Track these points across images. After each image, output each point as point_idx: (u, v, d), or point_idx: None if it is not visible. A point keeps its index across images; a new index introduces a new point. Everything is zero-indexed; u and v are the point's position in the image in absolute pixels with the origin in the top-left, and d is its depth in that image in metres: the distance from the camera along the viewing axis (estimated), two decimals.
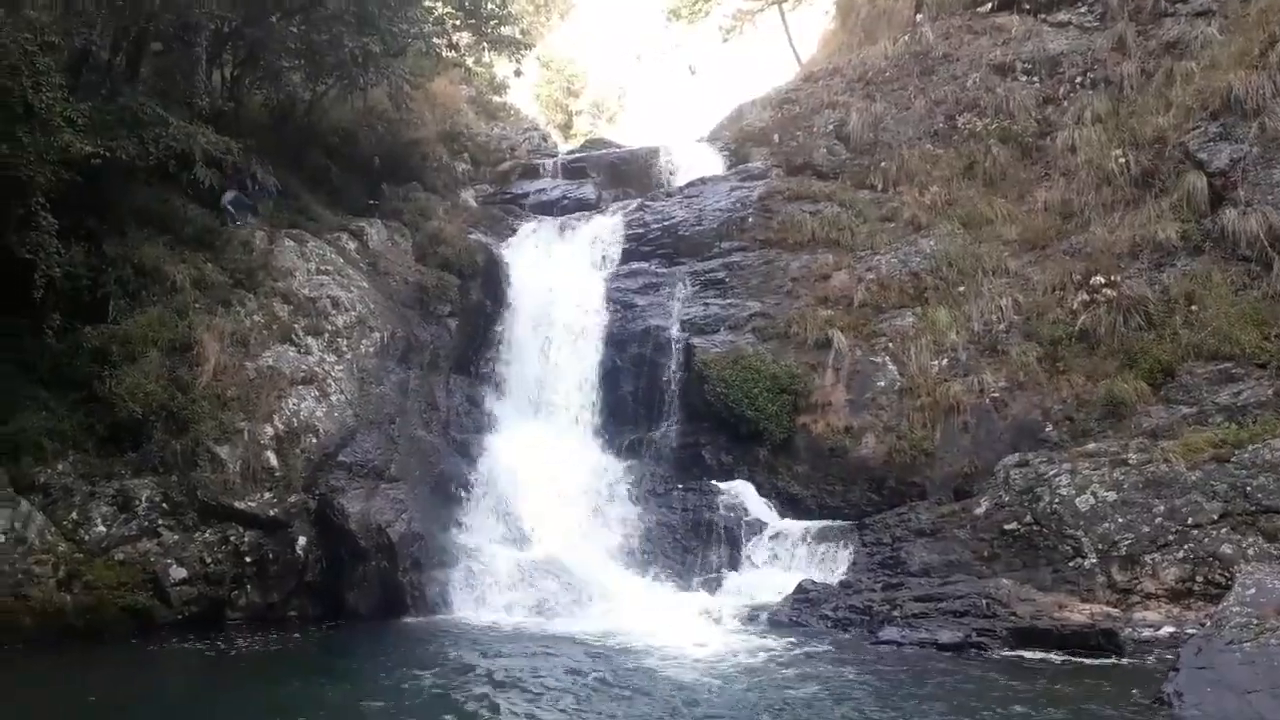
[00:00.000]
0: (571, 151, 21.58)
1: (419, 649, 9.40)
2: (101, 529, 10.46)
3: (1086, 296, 12.81)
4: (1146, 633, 9.35)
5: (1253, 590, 7.51)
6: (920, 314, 13.72)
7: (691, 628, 10.08)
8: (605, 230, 16.46)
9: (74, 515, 10.45)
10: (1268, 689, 6.61)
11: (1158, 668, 7.93)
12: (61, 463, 10.77)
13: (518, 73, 22.74)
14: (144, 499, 10.72)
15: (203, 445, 11.12)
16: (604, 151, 20.40)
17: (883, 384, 13.20)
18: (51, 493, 10.53)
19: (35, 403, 10.96)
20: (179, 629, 10.24)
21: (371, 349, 13.37)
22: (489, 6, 19.29)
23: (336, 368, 12.79)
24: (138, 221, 12.59)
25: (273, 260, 13.32)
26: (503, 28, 20.14)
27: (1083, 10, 17.14)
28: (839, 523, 12.25)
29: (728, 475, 13.21)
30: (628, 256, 15.98)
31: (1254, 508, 9.99)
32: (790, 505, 12.84)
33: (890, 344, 13.48)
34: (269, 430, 11.63)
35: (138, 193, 12.73)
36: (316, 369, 12.55)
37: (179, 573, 10.50)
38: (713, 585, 11.66)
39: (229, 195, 13.75)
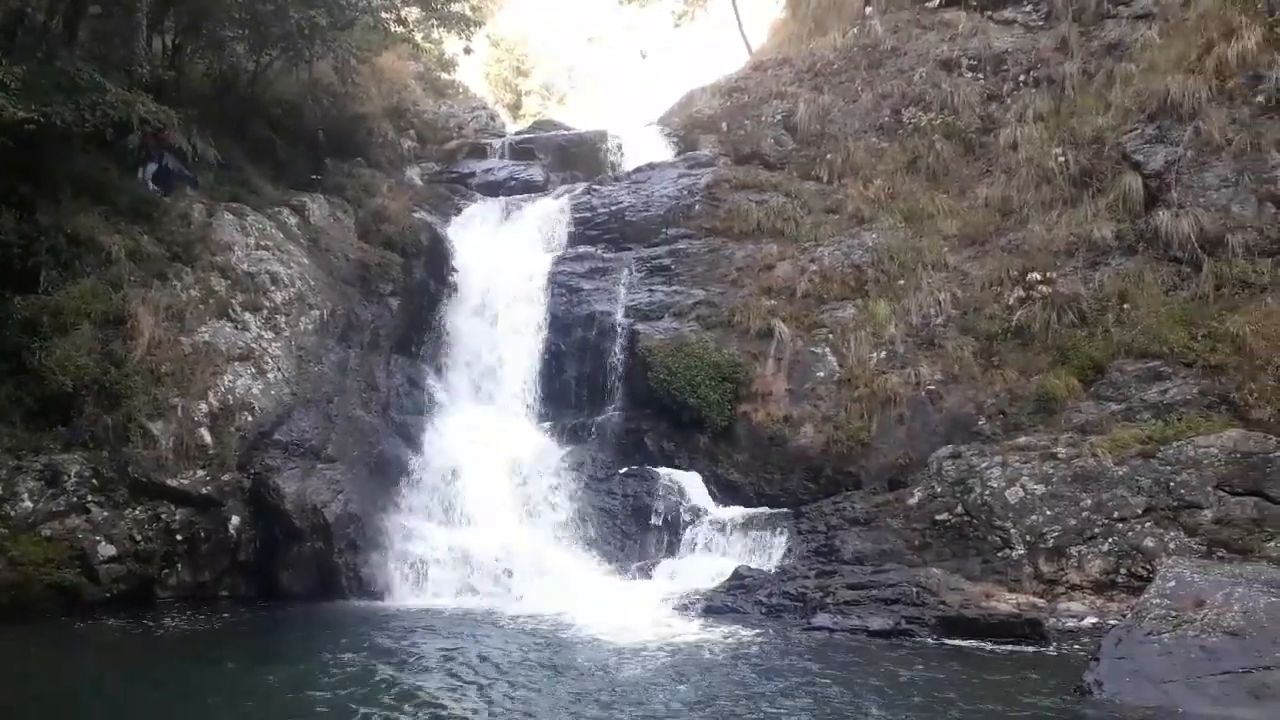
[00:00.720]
0: (520, 132, 21.49)
1: (351, 631, 9.35)
2: (28, 504, 10.25)
3: (1023, 293, 13.05)
4: (1071, 623, 9.60)
5: (1172, 583, 7.72)
6: (861, 306, 13.87)
7: (628, 612, 10.11)
8: (552, 213, 16.41)
9: None
10: (1183, 679, 6.83)
11: (1080, 657, 8.13)
12: None
13: (467, 50, 22.54)
14: (73, 474, 10.53)
15: (135, 421, 10.95)
16: (553, 133, 20.33)
17: (822, 374, 13.33)
18: None
19: None
20: (108, 607, 10.11)
21: (311, 326, 13.21)
22: None
23: (274, 345, 12.63)
24: (73, 190, 12.30)
25: (211, 234, 13.10)
26: (453, 4, 19.96)
27: (1028, 9, 17.40)
28: (776, 510, 12.37)
29: (669, 462, 13.27)
30: (574, 240, 15.95)
31: (1176, 503, 10.30)
32: (729, 492, 12.94)
33: (831, 335, 13.62)
34: (203, 407, 11.47)
35: (73, 160, 12.43)
36: (254, 345, 12.38)
37: (108, 550, 10.34)
38: (650, 570, 11.72)
39: (150, 168, 13.40)
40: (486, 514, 12.30)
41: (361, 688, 7.38)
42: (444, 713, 6.84)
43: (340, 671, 7.83)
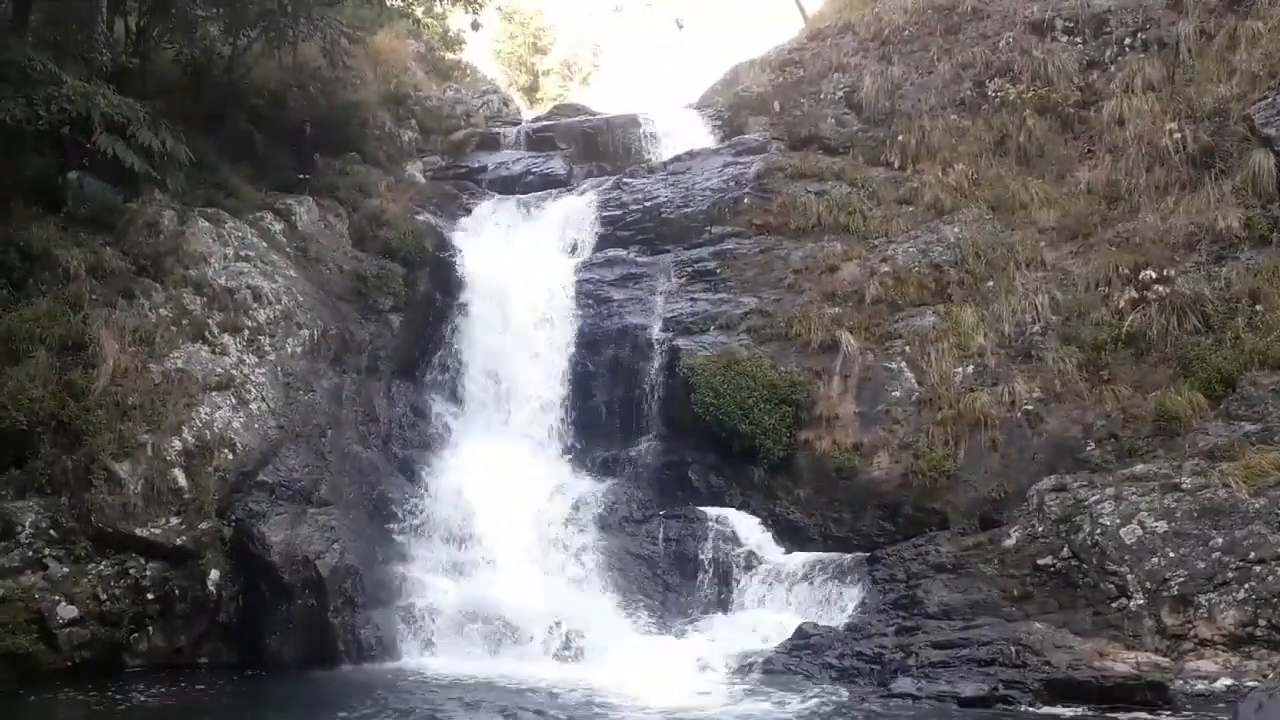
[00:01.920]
0: (538, 119, 21.64)
1: (349, 705, 9.36)
2: None
3: (1135, 294, 12.91)
4: (1200, 685, 9.42)
5: None
6: (942, 313, 13.79)
7: (672, 677, 10.09)
8: (576, 211, 16.50)
9: None
10: None
11: None
12: None
13: (475, 25, 22.72)
14: (28, 525, 10.68)
15: (99, 462, 11.08)
16: (576, 119, 20.45)
17: (898, 394, 13.25)
18: None
19: None
20: (69, 677, 10.21)
21: (299, 349, 13.34)
22: None
23: (258, 371, 12.76)
24: (25, 197, 12.52)
25: (184, 244, 13.28)
26: None
27: None
28: (846, 556, 12.29)
29: (717, 499, 13.25)
30: (603, 243, 16.01)
31: None
32: (790, 535, 12.88)
33: (907, 347, 13.55)
34: (177, 444, 11.59)
35: (25, 163, 12.65)
36: (234, 372, 12.52)
37: (69, 611, 10.45)
38: (699, 628, 11.67)
39: (71, 174, 13.38)
40: (505, 564, 12.35)
41: None
42: None
43: None
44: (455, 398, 14.75)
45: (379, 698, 9.66)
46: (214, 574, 11.07)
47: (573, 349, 14.61)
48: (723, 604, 12.08)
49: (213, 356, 12.52)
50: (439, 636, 11.27)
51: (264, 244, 14.09)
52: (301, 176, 16.41)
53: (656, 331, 14.48)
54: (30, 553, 10.59)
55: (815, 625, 11.02)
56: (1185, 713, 8.80)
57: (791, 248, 15.21)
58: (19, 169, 12.54)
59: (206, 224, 13.70)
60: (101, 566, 10.78)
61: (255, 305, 13.24)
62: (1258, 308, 12.38)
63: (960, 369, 13.21)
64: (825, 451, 13.12)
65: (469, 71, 23.11)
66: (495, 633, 11.26)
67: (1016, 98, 16.26)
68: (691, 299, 14.82)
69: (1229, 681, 9.38)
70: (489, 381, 14.78)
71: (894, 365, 13.50)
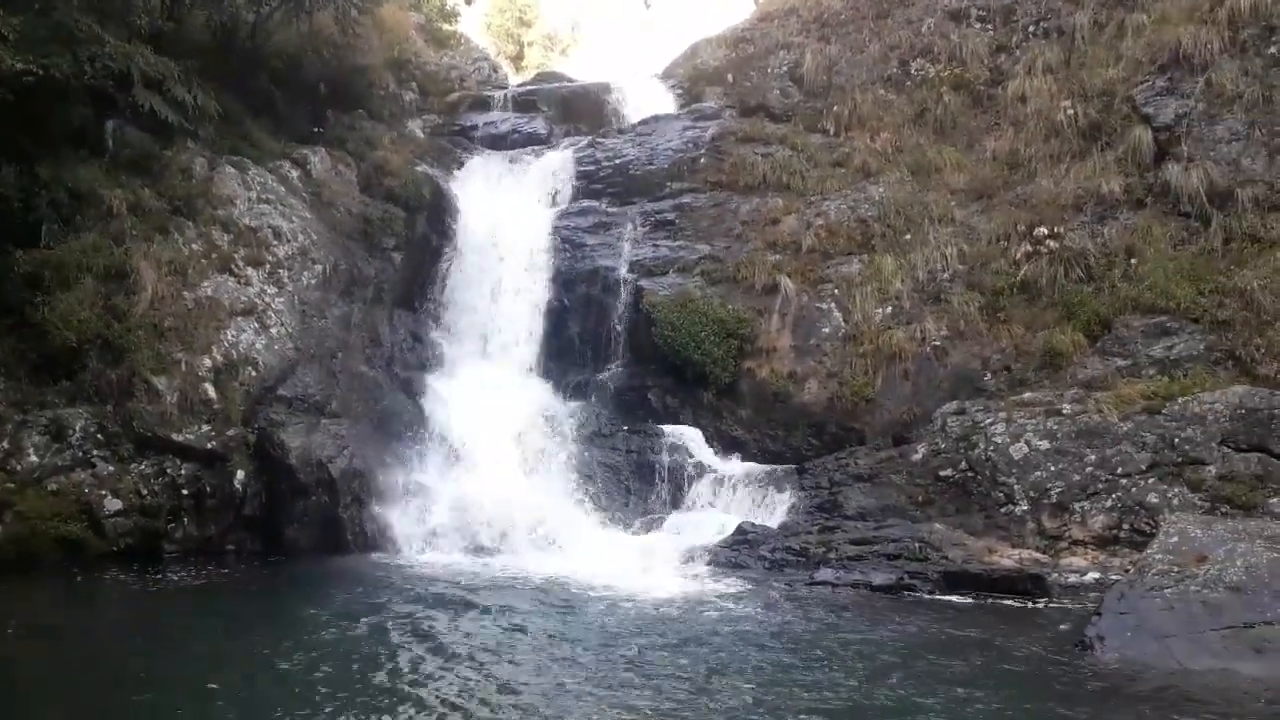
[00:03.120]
0: (523, 84, 21.25)
1: (354, 587, 9.42)
2: (34, 459, 10.30)
3: (1030, 248, 12.98)
4: (1073, 578, 9.65)
5: (1175, 539, 7.77)
6: (866, 261, 13.80)
7: (632, 567, 10.22)
8: (556, 166, 16.29)
9: (5, 444, 10.28)
10: (1185, 634, 6.89)
11: (1083, 612, 8.18)
12: None
13: (469, 1, 22.27)
14: (78, 429, 10.58)
15: (139, 375, 10.97)
16: (556, 85, 20.11)
17: (827, 330, 13.31)
18: None
19: None
20: (114, 560, 10.17)
21: (313, 281, 13.20)
22: None
23: (277, 299, 12.62)
24: (73, 143, 12.22)
25: (213, 188, 13.02)
26: None
27: None
28: (780, 466, 12.40)
29: (673, 418, 13.30)
30: (578, 194, 15.85)
31: (1180, 459, 10.31)
32: (733, 449, 12.97)
33: (836, 290, 13.57)
34: (207, 362, 11.49)
35: (72, 113, 12.32)
36: (256, 300, 12.38)
37: (114, 504, 10.40)
38: (655, 525, 11.78)
39: (112, 123, 12.85)
40: (491, 470, 12.35)
41: (372, 636, 7.46)
42: (438, 648, 6.91)
43: (347, 622, 7.92)
44: (448, 327, 14.65)
45: (379, 579, 9.75)
46: (240, 474, 11.02)
47: (550, 286, 14.51)
48: (676, 505, 12.17)
49: (238, 286, 12.36)
50: (433, 532, 11.28)
51: (283, 189, 13.84)
52: (316, 130, 16.08)
53: (623, 273, 14.40)
54: (80, 453, 10.50)
55: (752, 524, 11.14)
56: (1060, 600, 9.01)
57: (740, 202, 15.11)
58: (66, 119, 12.20)
59: (233, 170, 13.42)
60: (142, 466, 10.70)
61: (275, 242, 13.04)
62: (1132, 261, 12.49)
63: (880, 310, 13.26)
64: (765, 379, 13.18)
65: (463, 41, 22.56)
66: (479, 529, 11.29)
67: (935, 76, 16.14)
68: (654, 245, 14.72)
69: (1097, 575, 9.61)
70: (477, 313, 14.66)
71: (825, 306, 13.52)
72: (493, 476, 12.22)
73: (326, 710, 5.92)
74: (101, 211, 11.91)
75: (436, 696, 6.23)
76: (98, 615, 8.86)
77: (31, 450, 10.33)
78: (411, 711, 5.96)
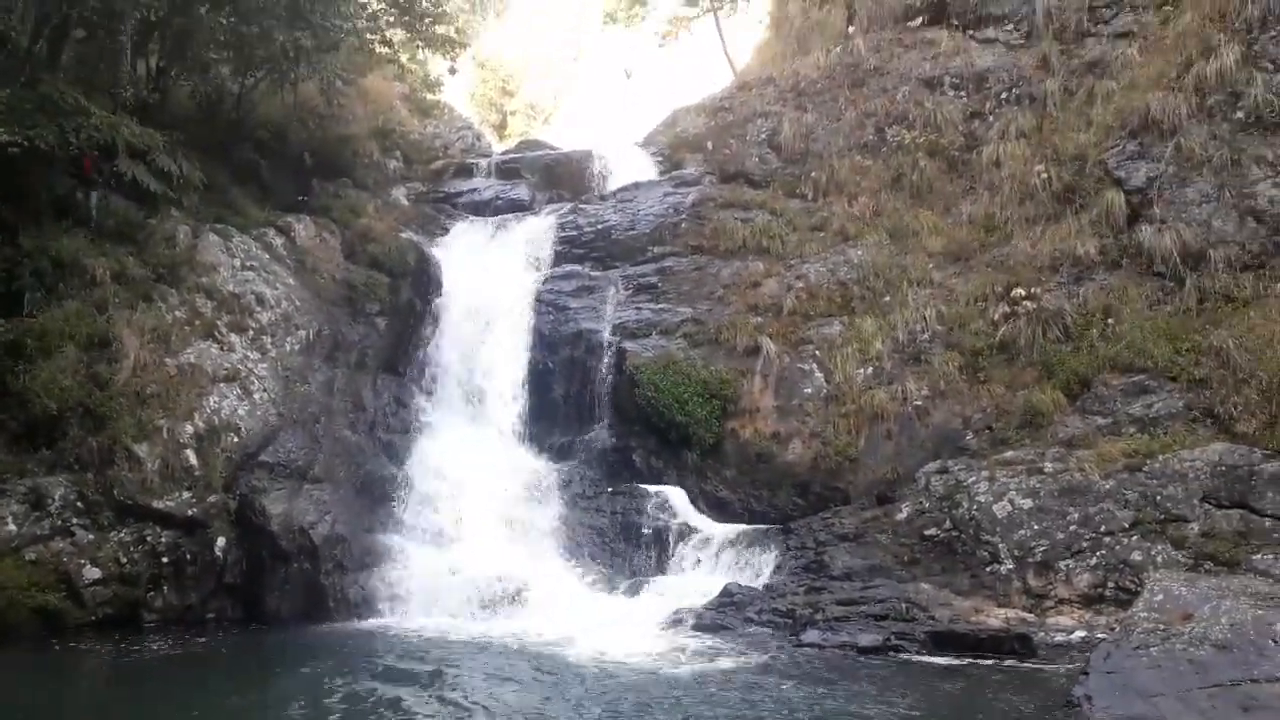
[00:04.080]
0: (506, 152, 21.45)
1: (337, 654, 9.29)
2: (12, 527, 10.18)
3: (1007, 308, 13.09)
4: (1059, 637, 9.58)
5: (1160, 596, 7.73)
6: (847, 323, 13.88)
7: (616, 630, 10.08)
8: (539, 232, 16.38)
9: None
10: (1173, 692, 6.81)
11: (1069, 671, 8.12)
12: None
13: (452, 71, 22.50)
14: (57, 497, 10.47)
15: (120, 443, 10.88)
16: (538, 153, 20.30)
17: (810, 390, 13.34)
18: None
19: None
20: (93, 630, 10.03)
21: (297, 347, 13.18)
22: (423, 4, 19.06)
23: (260, 365, 12.58)
24: (56, 213, 12.25)
25: (197, 255, 13.05)
26: (437, 26, 19.92)
27: (1009, 28, 17.49)
28: (765, 527, 12.35)
29: (657, 479, 13.23)
30: (561, 259, 15.91)
31: (1163, 516, 10.32)
32: (718, 509, 12.91)
33: (818, 351, 13.63)
34: (189, 428, 11.41)
35: (57, 183, 12.38)
36: (239, 366, 12.34)
37: (92, 573, 10.26)
38: (639, 588, 11.63)
39: (96, 193, 12.89)
40: (475, 533, 12.24)
41: (350, 705, 7.33)
42: None
43: (325, 692, 7.77)
44: (432, 391, 14.59)
45: (358, 647, 9.61)
46: (221, 541, 10.92)
47: (534, 349, 14.48)
48: (661, 567, 12.08)
49: (221, 353, 12.33)
50: (413, 597, 11.15)
51: (267, 256, 13.88)
52: (301, 198, 16.17)
53: (607, 335, 14.42)
54: (59, 521, 10.38)
55: (739, 585, 11.04)
56: (1047, 660, 8.95)
57: (721, 266, 15.21)
58: (51, 188, 12.27)
59: (217, 238, 13.47)
60: (122, 534, 10.58)
61: (259, 309, 13.05)
62: (1109, 321, 12.60)
63: (862, 370, 13.31)
64: (748, 439, 13.17)
65: (446, 110, 22.83)
66: (462, 594, 11.15)
67: (911, 142, 16.36)
68: (637, 308, 14.78)
69: (1083, 634, 9.54)
70: (462, 377, 14.62)
71: (806, 366, 13.57)
72: (477, 540, 12.11)
73: None
74: (85, 280, 11.91)
75: None
76: (70, 691, 8.66)
77: (10, 519, 10.20)
78: None
